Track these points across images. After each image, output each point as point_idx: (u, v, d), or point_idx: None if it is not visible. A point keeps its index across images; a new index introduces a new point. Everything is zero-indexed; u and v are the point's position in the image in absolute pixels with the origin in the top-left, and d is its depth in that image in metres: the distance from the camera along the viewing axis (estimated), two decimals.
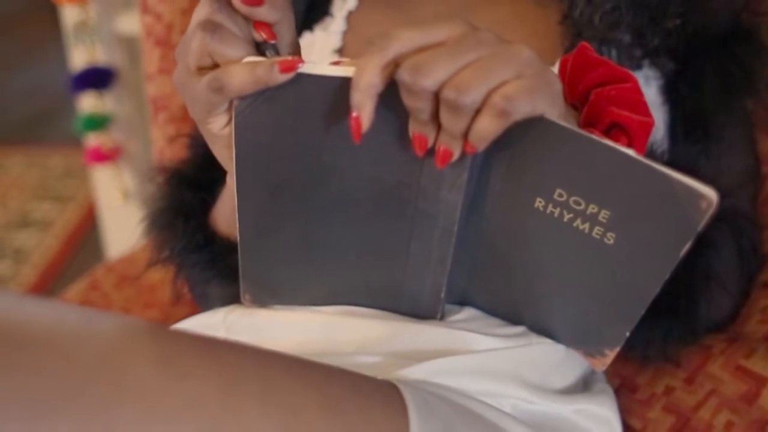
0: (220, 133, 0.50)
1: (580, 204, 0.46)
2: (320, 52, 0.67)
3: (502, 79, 0.42)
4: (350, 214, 0.52)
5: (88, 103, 1.31)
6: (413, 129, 0.45)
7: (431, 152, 0.45)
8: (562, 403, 0.58)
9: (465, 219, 0.51)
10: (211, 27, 0.46)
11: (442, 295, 0.56)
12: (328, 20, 0.69)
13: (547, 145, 0.45)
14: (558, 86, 0.45)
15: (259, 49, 0.48)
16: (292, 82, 0.45)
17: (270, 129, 0.48)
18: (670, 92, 0.63)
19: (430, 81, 0.41)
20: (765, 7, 0.64)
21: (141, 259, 0.96)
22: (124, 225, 1.38)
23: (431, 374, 0.53)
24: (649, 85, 0.62)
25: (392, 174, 0.49)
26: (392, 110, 0.45)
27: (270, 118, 0.47)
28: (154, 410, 0.39)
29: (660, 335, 0.60)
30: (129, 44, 1.31)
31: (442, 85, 0.42)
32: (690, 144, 0.62)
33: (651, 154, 0.53)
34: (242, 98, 0.46)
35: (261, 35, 0.48)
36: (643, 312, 0.49)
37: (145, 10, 0.94)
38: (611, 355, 0.53)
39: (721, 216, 0.44)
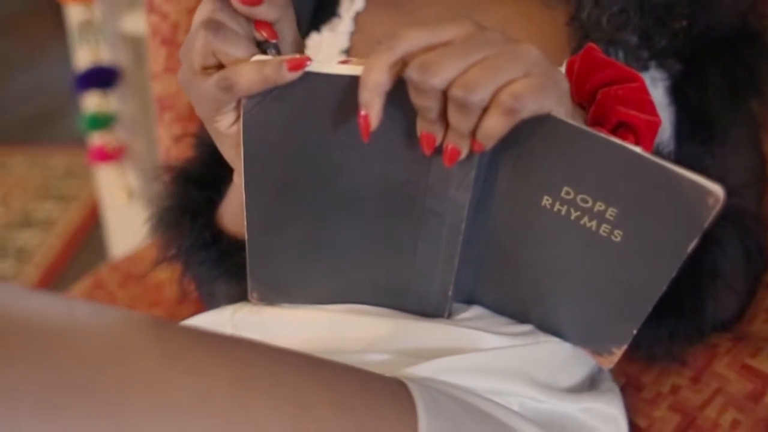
0: (227, 132, 0.50)
1: (587, 202, 0.47)
2: (328, 53, 0.67)
3: (510, 78, 0.42)
4: (358, 212, 0.53)
5: (93, 102, 1.31)
6: (421, 127, 0.45)
7: (439, 151, 0.46)
8: (570, 402, 0.58)
9: (472, 217, 0.51)
10: (213, 26, 0.46)
11: (450, 293, 0.56)
12: (335, 21, 0.69)
13: (554, 143, 0.46)
14: (565, 85, 0.45)
15: (261, 48, 0.48)
16: (300, 80, 0.45)
17: (278, 127, 0.48)
18: (677, 93, 0.63)
19: (438, 79, 0.41)
20: None
21: (146, 258, 0.96)
22: (127, 224, 1.39)
23: (439, 372, 0.54)
24: (656, 86, 0.62)
25: (400, 172, 0.50)
26: (400, 109, 0.45)
27: (278, 117, 0.48)
28: (163, 405, 0.39)
29: (666, 334, 0.60)
30: (133, 43, 1.31)
31: (450, 84, 0.42)
32: (696, 145, 0.63)
33: (657, 155, 0.53)
34: (250, 97, 0.46)
35: (262, 34, 0.48)
36: (649, 310, 0.49)
37: (151, 9, 0.94)
38: (618, 353, 0.54)
39: (726, 215, 0.44)
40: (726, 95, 0.62)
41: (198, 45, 0.46)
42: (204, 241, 0.63)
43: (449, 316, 0.58)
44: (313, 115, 0.47)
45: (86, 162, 1.42)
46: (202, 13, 0.47)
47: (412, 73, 0.42)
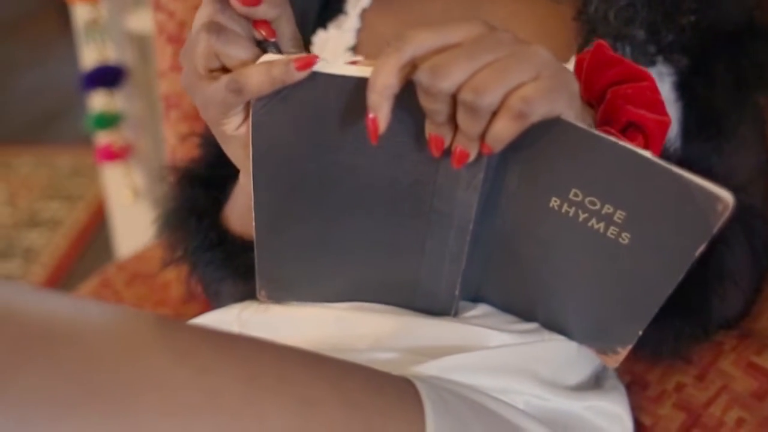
0: (234, 134, 0.50)
1: (595, 204, 0.47)
2: (334, 50, 0.67)
3: (520, 81, 0.42)
4: (366, 212, 0.53)
5: (99, 101, 1.31)
6: (430, 130, 0.45)
7: (448, 152, 0.45)
8: (575, 400, 0.58)
9: (480, 217, 0.51)
10: (215, 28, 0.46)
11: (457, 292, 0.56)
12: (342, 18, 0.69)
13: (563, 147, 0.45)
14: (575, 86, 0.45)
15: (260, 47, 0.48)
16: (308, 81, 0.45)
17: (286, 128, 0.48)
18: (684, 89, 0.63)
19: (447, 83, 0.41)
20: None
21: (152, 257, 0.97)
22: (134, 223, 1.39)
23: (445, 371, 0.54)
24: (663, 81, 0.62)
25: (408, 173, 0.50)
26: (408, 111, 0.45)
27: (287, 118, 0.48)
28: (174, 404, 0.40)
29: (672, 332, 0.60)
30: (140, 42, 1.31)
31: (460, 87, 0.41)
32: (702, 141, 0.63)
33: (664, 152, 0.53)
34: (259, 98, 0.47)
35: (261, 33, 0.48)
36: (656, 311, 0.49)
37: (158, 7, 0.94)
38: (624, 352, 0.54)
39: (732, 213, 0.44)
40: (733, 90, 0.62)
41: (200, 48, 0.46)
42: (210, 242, 0.64)
43: (456, 313, 0.58)
44: (321, 116, 0.48)
45: (92, 161, 1.43)
46: (202, 16, 0.47)
47: (421, 77, 0.42)
